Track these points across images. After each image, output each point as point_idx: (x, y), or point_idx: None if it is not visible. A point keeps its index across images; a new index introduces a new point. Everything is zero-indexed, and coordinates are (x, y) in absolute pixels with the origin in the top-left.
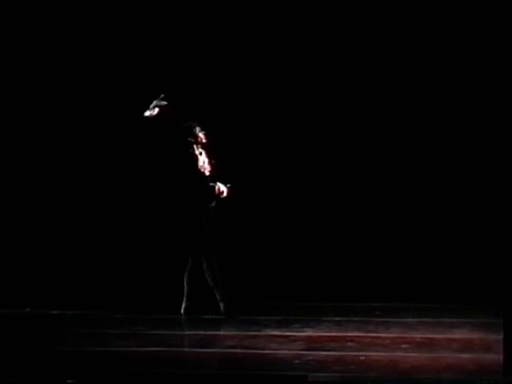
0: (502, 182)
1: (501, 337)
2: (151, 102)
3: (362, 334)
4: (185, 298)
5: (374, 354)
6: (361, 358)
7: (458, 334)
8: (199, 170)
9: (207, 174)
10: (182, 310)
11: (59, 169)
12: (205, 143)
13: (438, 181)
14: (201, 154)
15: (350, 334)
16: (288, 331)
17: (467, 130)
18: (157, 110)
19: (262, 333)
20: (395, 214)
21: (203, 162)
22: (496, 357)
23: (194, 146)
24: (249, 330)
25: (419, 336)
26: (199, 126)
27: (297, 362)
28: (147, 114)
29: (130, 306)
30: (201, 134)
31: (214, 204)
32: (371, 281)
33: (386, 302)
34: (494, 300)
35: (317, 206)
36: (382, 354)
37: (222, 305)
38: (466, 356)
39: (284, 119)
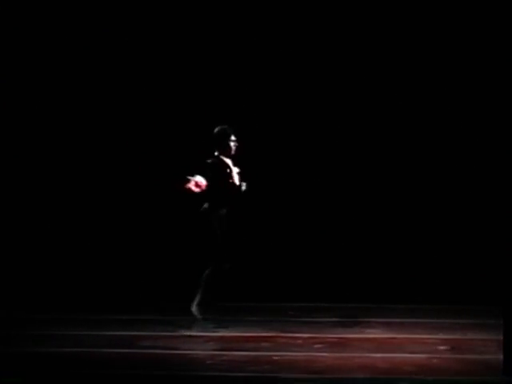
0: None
1: (412, 336)
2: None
3: (276, 334)
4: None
5: (288, 354)
6: (274, 357)
7: (371, 334)
8: (231, 180)
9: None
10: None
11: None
12: (233, 154)
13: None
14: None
15: (264, 334)
16: (202, 331)
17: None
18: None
19: (176, 333)
20: (312, 213)
21: (233, 171)
22: (407, 356)
23: (222, 155)
24: (163, 331)
25: (332, 336)
26: (234, 134)
27: (210, 362)
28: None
29: (48, 306)
30: (232, 145)
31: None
32: (284, 281)
33: (299, 302)
34: (407, 300)
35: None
36: (296, 353)
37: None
38: (377, 355)
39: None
